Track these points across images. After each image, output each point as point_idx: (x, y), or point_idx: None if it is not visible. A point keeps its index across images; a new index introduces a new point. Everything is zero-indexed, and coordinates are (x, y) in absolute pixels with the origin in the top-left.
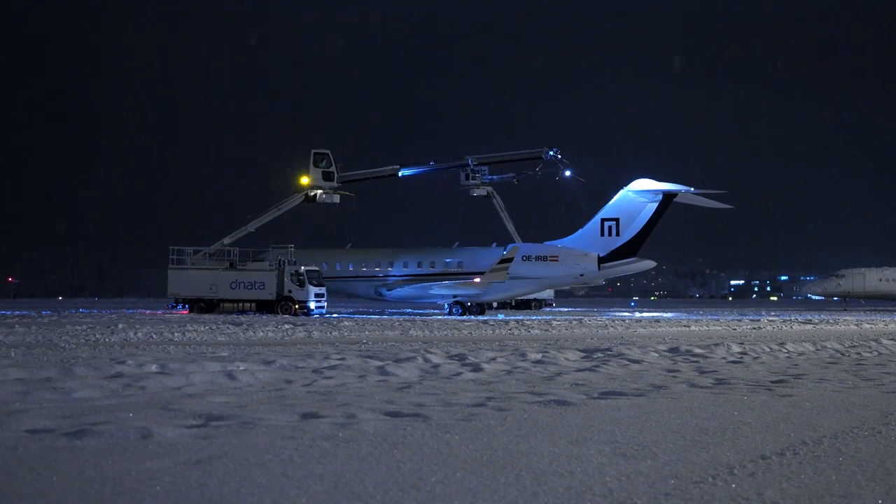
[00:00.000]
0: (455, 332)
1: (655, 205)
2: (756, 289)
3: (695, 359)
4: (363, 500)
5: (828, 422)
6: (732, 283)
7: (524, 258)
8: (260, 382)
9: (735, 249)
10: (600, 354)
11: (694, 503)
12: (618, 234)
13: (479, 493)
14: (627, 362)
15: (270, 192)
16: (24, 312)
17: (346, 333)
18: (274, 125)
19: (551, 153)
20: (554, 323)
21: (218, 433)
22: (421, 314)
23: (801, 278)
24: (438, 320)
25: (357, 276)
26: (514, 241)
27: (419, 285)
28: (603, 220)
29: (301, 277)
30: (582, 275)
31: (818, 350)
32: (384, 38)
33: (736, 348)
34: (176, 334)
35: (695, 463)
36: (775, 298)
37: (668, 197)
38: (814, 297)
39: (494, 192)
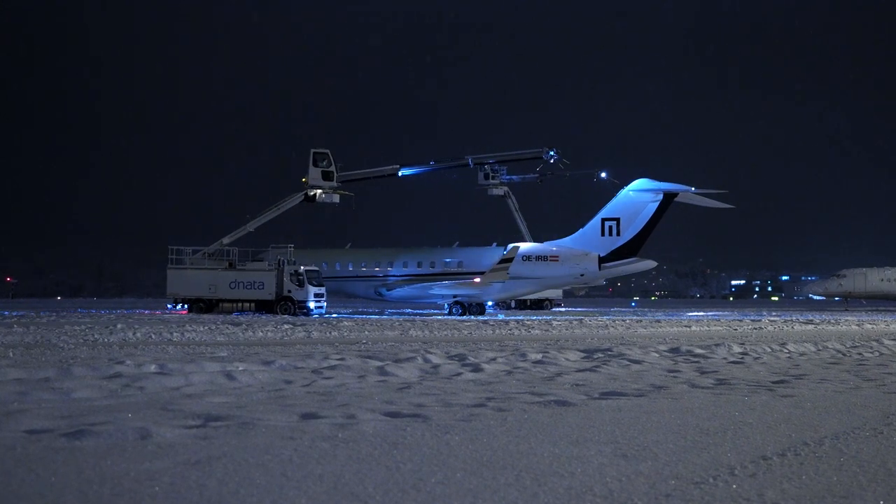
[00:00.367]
0: (455, 332)
1: (656, 205)
2: (757, 289)
3: (695, 359)
4: (363, 501)
5: (829, 422)
6: (733, 283)
7: (524, 258)
8: (259, 383)
9: (736, 249)
10: (601, 355)
11: None
12: (618, 234)
13: (480, 493)
14: (628, 363)
15: (270, 191)
16: (23, 312)
17: (345, 333)
18: (273, 125)
19: (551, 153)
20: (554, 323)
21: (217, 434)
22: (421, 314)
23: (803, 278)
24: (438, 320)
25: (357, 276)
26: (525, 241)
27: (419, 285)
28: (603, 220)
29: (300, 277)
30: (582, 275)
31: (819, 350)
32: (384, 37)
33: (737, 348)
34: (175, 334)
35: (695, 463)
36: (776, 298)
37: (668, 197)
38: (815, 297)
39: (510, 193)
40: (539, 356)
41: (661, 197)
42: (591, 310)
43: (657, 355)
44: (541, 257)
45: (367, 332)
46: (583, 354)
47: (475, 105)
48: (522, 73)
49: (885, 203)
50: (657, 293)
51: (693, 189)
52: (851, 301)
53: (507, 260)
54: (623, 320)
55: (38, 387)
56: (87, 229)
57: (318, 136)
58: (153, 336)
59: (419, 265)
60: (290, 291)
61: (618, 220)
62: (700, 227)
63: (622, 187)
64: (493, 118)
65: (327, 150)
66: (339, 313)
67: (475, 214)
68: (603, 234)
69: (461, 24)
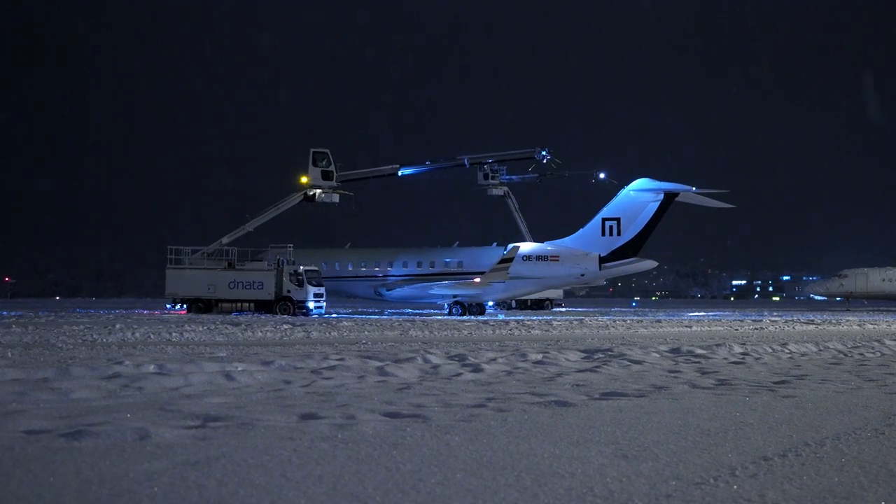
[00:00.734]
0: (455, 332)
1: (657, 204)
2: (758, 289)
3: (696, 359)
4: (362, 502)
5: (830, 423)
6: (734, 283)
7: (524, 258)
8: (258, 383)
9: (737, 249)
10: (601, 355)
11: None
12: (619, 234)
13: (480, 494)
14: (628, 363)
15: (269, 191)
16: (21, 312)
17: (345, 334)
18: (273, 124)
19: (543, 153)
20: (554, 323)
21: (216, 434)
22: (421, 314)
23: (804, 278)
24: (438, 320)
25: (356, 276)
26: (525, 240)
27: (419, 285)
28: (604, 220)
29: (300, 277)
30: (583, 275)
31: (821, 351)
32: (385, 37)
33: (738, 349)
34: (174, 334)
35: (696, 464)
36: (777, 299)
37: (669, 196)
38: (816, 297)
39: (510, 193)
40: (539, 356)
41: (661, 197)
42: (592, 310)
43: (658, 356)
44: (541, 257)
45: (366, 333)
46: (583, 355)
47: (475, 105)
48: (522, 73)
49: (887, 203)
50: (658, 293)
51: (694, 189)
52: (853, 301)
53: (508, 260)
54: (624, 320)
55: (37, 387)
56: (86, 229)
57: (318, 135)
58: (152, 336)
59: (419, 265)
60: (289, 291)
61: (618, 219)
62: (701, 227)
63: (621, 188)
64: (493, 118)
65: (327, 150)
66: (338, 313)
67: (475, 214)
68: (603, 234)
69: (461, 24)
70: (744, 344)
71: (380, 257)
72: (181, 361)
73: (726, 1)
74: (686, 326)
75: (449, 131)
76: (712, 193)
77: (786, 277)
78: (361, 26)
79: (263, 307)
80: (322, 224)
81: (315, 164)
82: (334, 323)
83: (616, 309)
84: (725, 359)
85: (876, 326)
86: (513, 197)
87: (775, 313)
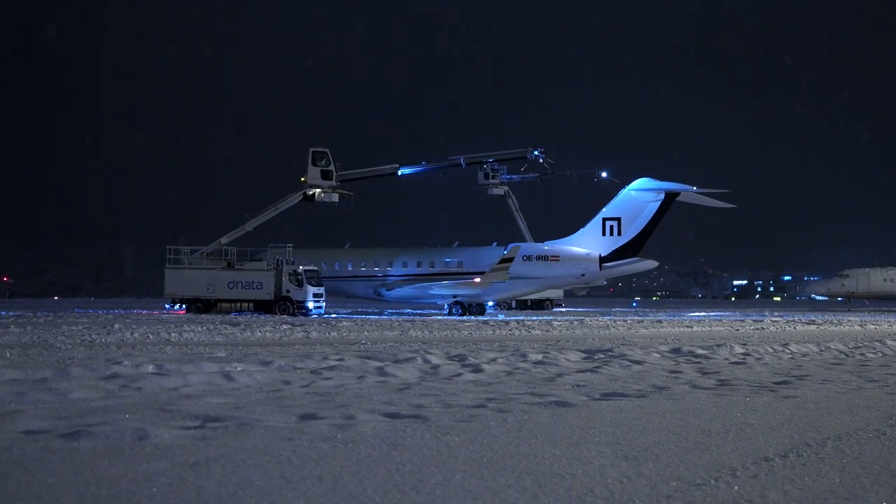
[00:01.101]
0: (455, 332)
1: (657, 204)
2: (759, 289)
3: (697, 360)
4: (362, 502)
5: (831, 423)
6: (735, 283)
7: (525, 258)
8: (257, 383)
9: (738, 249)
10: (601, 355)
11: None
12: (619, 234)
13: (480, 494)
14: (629, 363)
15: (268, 191)
16: (20, 312)
17: (344, 334)
18: (272, 123)
19: (535, 153)
20: (555, 323)
21: (215, 434)
22: (420, 314)
23: (805, 278)
24: (438, 321)
25: (356, 276)
26: (526, 241)
27: (419, 285)
28: (604, 220)
29: (299, 277)
30: (583, 275)
31: (822, 351)
32: (384, 37)
33: (739, 349)
34: (173, 334)
35: (697, 465)
36: (778, 299)
37: (670, 196)
38: (817, 297)
39: (510, 192)
40: (539, 357)
41: (662, 196)
42: (592, 310)
43: (658, 356)
44: (541, 257)
45: (366, 333)
46: (584, 355)
47: (475, 105)
48: (523, 73)
49: (889, 203)
50: (658, 293)
51: (695, 188)
52: (854, 301)
53: (508, 260)
54: (624, 320)
55: (35, 387)
56: (85, 229)
57: (317, 135)
58: (151, 336)
59: (419, 265)
60: (288, 291)
61: (619, 219)
62: (702, 227)
63: (623, 187)
64: (493, 118)
65: (326, 150)
66: (338, 313)
67: (475, 214)
68: (604, 234)
69: (461, 24)
70: (745, 344)
71: (379, 257)
72: (180, 362)
73: (727, 1)
74: (687, 327)
75: (449, 131)
76: (713, 193)
77: (787, 277)
78: (362, 26)
79: (263, 307)
80: (321, 224)
81: (314, 164)
82: (334, 323)
83: (616, 309)
84: (726, 359)
85: (877, 327)
86: (513, 196)
87: (776, 313)
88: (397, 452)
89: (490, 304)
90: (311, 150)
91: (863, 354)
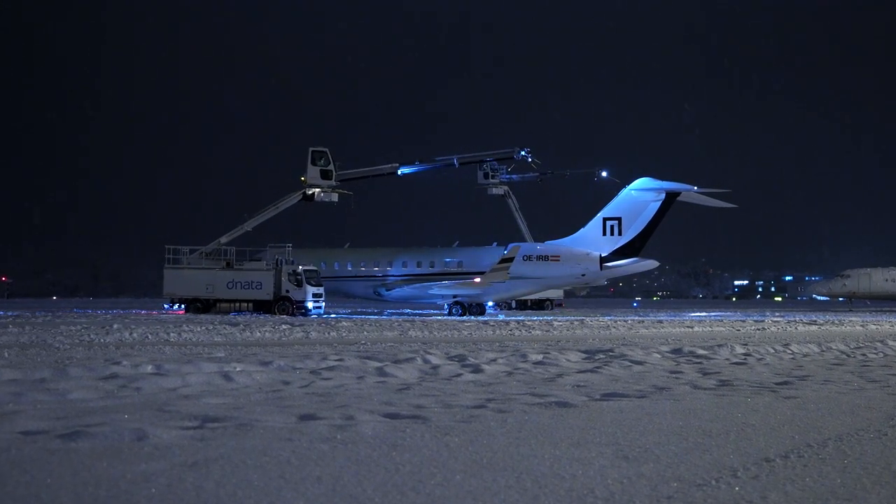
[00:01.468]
0: (455, 332)
1: (658, 204)
2: (760, 289)
3: (698, 360)
4: (361, 503)
5: (833, 424)
6: (736, 283)
7: (525, 258)
8: (257, 384)
9: (739, 249)
10: (602, 356)
11: None
12: (620, 234)
13: (479, 495)
14: (629, 363)
15: (268, 190)
16: (18, 312)
17: (344, 334)
18: (271, 123)
19: (522, 153)
20: (555, 323)
21: (214, 435)
22: (420, 314)
23: (806, 278)
24: (438, 321)
25: (356, 276)
26: (525, 241)
27: (419, 285)
28: (605, 220)
29: (299, 277)
30: (583, 275)
31: (823, 351)
32: (384, 36)
33: (740, 349)
34: (172, 335)
35: (698, 465)
36: (779, 299)
37: (671, 196)
38: (819, 297)
39: (510, 192)
40: (540, 357)
41: (663, 196)
42: (593, 310)
43: (659, 356)
44: (542, 257)
45: (365, 333)
46: (584, 355)
47: (475, 104)
48: (523, 73)
49: (890, 203)
50: (659, 293)
51: (695, 188)
52: (855, 301)
53: (508, 260)
54: (625, 321)
55: (34, 388)
56: (84, 228)
57: (317, 134)
58: (150, 336)
59: (419, 265)
60: (288, 291)
61: (619, 219)
62: (703, 227)
63: (623, 186)
64: (493, 117)
65: (325, 149)
66: (337, 313)
67: (475, 214)
68: (604, 234)
69: (460, 24)
70: (746, 344)
71: (379, 257)
72: (179, 362)
73: (727, 1)
74: (688, 327)
75: (449, 131)
76: (714, 193)
77: (788, 277)
78: (362, 26)
79: (262, 307)
80: (321, 224)
81: (314, 164)
82: (333, 323)
83: (617, 309)
84: (727, 359)
85: (879, 327)
86: (513, 196)
87: (777, 314)
88: (397, 453)
89: (490, 304)
90: (311, 149)
91: (864, 355)
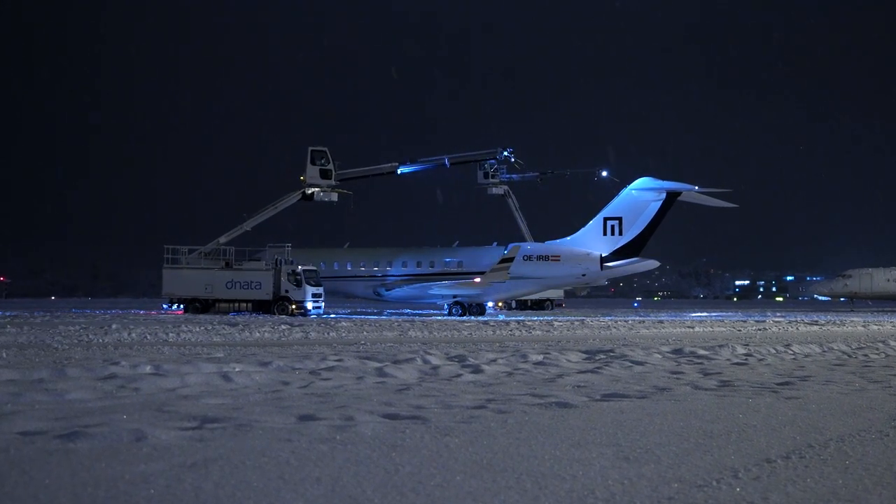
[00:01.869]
0: (455, 332)
1: (659, 203)
2: (761, 289)
3: (699, 360)
4: None
5: (834, 425)
6: (737, 283)
7: (525, 258)
8: (256, 384)
9: (740, 249)
10: (602, 356)
11: None
12: (621, 234)
13: (480, 496)
14: (630, 364)
15: (267, 190)
16: (16, 312)
17: (343, 334)
18: (270, 123)
19: (505, 153)
20: (555, 324)
21: (213, 435)
22: (420, 315)
23: (808, 279)
24: (438, 321)
25: (355, 276)
26: (525, 241)
27: (418, 285)
28: (605, 220)
29: (298, 277)
30: (584, 275)
31: (824, 352)
32: (383, 36)
33: (741, 350)
34: (171, 335)
35: (699, 466)
36: (781, 299)
37: (671, 196)
38: (820, 297)
39: (510, 192)
40: (540, 357)
41: (663, 196)
42: (594, 310)
43: (660, 356)
44: (542, 257)
45: (365, 333)
46: (584, 356)
47: (475, 105)
48: (523, 73)
49: (892, 203)
50: (660, 293)
51: (696, 188)
52: (857, 302)
53: (508, 260)
54: (625, 321)
55: (32, 388)
56: (83, 228)
57: (317, 134)
58: (148, 336)
59: (418, 265)
60: (287, 291)
61: (620, 219)
62: (704, 227)
63: (623, 186)
64: (493, 117)
65: (325, 148)
66: (337, 314)
67: (475, 214)
68: (605, 234)
69: (460, 24)
70: (747, 345)
71: (379, 257)
72: (178, 362)
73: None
74: (688, 327)
75: (449, 130)
76: (715, 193)
77: (789, 278)
78: (362, 25)
79: (261, 307)
80: (321, 223)
81: (313, 163)
82: (333, 323)
83: (618, 309)
84: (728, 360)
85: (880, 327)
86: (513, 196)
87: (778, 314)
88: (397, 454)
89: (489, 304)
90: (310, 148)
91: (866, 355)
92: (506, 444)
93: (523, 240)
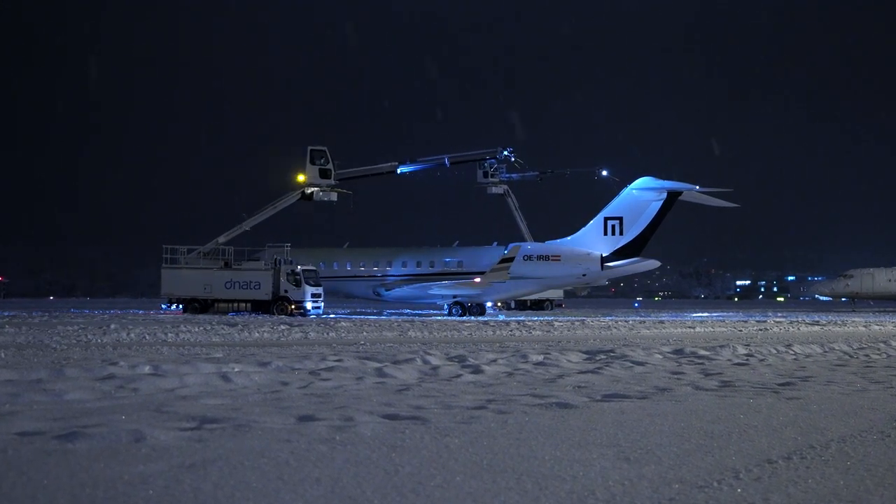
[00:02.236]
0: (455, 333)
1: (660, 203)
2: (762, 289)
3: (700, 361)
4: None
5: (835, 425)
6: (738, 283)
7: (525, 258)
8: (255, 384)
9: (741, 249)
10: (603, 356)
11: None
12: (621, 234)
13: (480, 497)
14: (631, 364)
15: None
16: (15, 312)
17: (343, 334)
18: (270, 122)
19: (505, 153)
20: (556, 324)
21: (212, 436)
22: (420, 315)
23: (809, 279)
24: (438, 321)
25: (355, 276)
26: (525, 241)
27: (418, 285)
28: (606, 219)
29: (297, 277)
30: (584, 275)
31: (826, 352)
32: (384, 36)
33: (742, 350)
34: (169, 335)
35: (699, 467)
36: (782, 299)
37: (672, 195)
38: (821, 297)
39: (510, 191)
40: (540, 358)
41: (664, 195)
42: (594, 310)
43: (661, 357)
44: (542, 257)
45: (365, 333)
46: (585, 356)
47: (475, 104)
48: (522, 73)
49: (893, 203)
50: (660, 293)
51: (697, 187)
52: (858, 302)
53: (508, 260)
54: (626, 321)
55: (30, 388)
56: (81, 228)
57: (317, 134)
58: (147, 337)
59: (418, 265)
60: (286, 291)
61: (620, 219)
62: (705, 227)
63: (623, 185)
64: (493, 117)
65: (324, 148)
66: (336, 314)
67: (475, 214)
68: (605, 234)
69: (460, 24)
70: (748, 345)
71: (379, 257)
72: (177, 362)
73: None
74: (689, 327)
75: (449, 131)
76: (716, 192)
77: (791, 278)
78: (362, 25)
79: (260, 307)
80: (320, 223)
81: (313, 163)
82: (332, 323)
83: (619, 309)
84: (729, 360)
85: (882, 327)
86: (513, 195)
87: (780, 314)
88: (396, 454)
89: (488, 304)
90: (310, 148)
91: (867, 356)
92: (506, 444)
93: (523, 239)
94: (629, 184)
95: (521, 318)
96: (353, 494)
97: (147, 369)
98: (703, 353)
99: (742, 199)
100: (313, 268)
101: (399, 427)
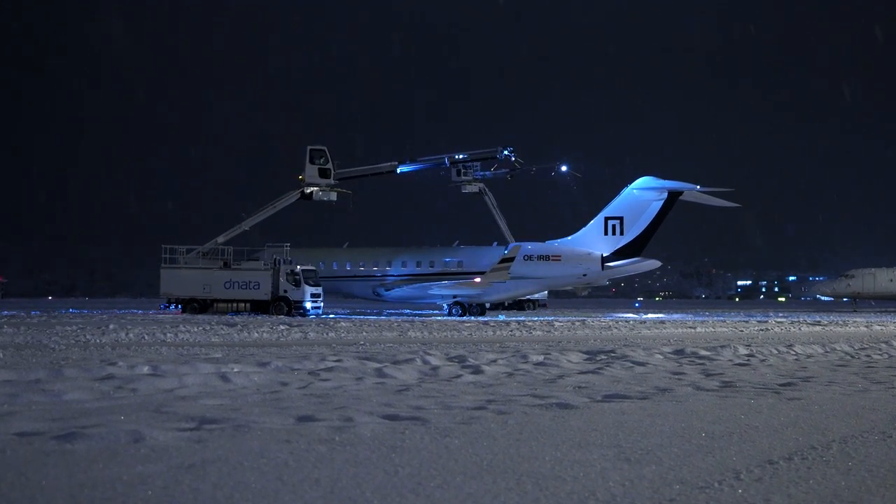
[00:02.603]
0: (455, 333)
1: (660, 203)
2: (763, 289)
3: (700, 361)
4: None
5: (837, 426)
6: (739, 283)
7: (526, 258)
8: (254, 385)
9: (742, 249)
10: (604, 356)
11: None
12: (622, 234)
13: (480, 497)
14: (631, 364)
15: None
16: (14, 312)
17: (342, 335)
18: (270, 122)
19: (506, 152)
20: (556, 324)
21: (211, 436)
22: (420, 315)
23: (810, 279)
24: (438, 321)
25: (355, 276)
26: (508, 240)
27: (418, 285)
28: (607, 219)
29: (297, 277)
30: (585, 275)
31: (827, 352)
32: (383, 36)
33: (743, 350)
34: (168, 335)
35: (700, 468)
36: (783, 299)
37: (673, 195)
38: (823, 298)
39: (486, 189)
40: (541, 358)
41: (665, 195)
42: (594, 310)
43: (661, 357)
44: (542, 257)
45: (364, 333)
46: (585, 356)
47: (475, 104)
48: (523, 73)
49: (894, 202)
50: (661, 293)
51: (698, 187)
52: (860, 302)
53: (508, 260)
54: (626, 321)
55: (29, 388)
56: (80, 228)
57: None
58: (146, 337)
59: (418, 265)
60: (286, 291)
61: (621, 219)
62: (706, 227)
63: (583, 180)
64: (493, 117)
65: (324, 147)
66: (336, 314)
67: (475, 214)
68: (606, 234)
69: (460, 24)
70: (749, 345)
71: (378, 257)
72: (176, 363)
73: (730, 1)
74: (690, 327)
75: (449, 131)
76: (717, 192)
77: (792, 278)
78: (362, 25)
79: (260, 307)
80: (320, 223)
81: (312, 162)
82: (332, 323)
83: (618, 309)
84: (730, 360)
85: (883, 328)
86: (490, 194)
87: (781, 314)
88: (396, 455)
89: (487, 305)
90: (309, 147)
91: (868, 356)
92: (506, 445)
93: (503, 239)
94: (626, 184)
95: (522, 319)
96: (353, 495)
97: (146, 369)
98: (703, 353)
99: (743, 199)
100: (313, 268)
101: (399, 427)
